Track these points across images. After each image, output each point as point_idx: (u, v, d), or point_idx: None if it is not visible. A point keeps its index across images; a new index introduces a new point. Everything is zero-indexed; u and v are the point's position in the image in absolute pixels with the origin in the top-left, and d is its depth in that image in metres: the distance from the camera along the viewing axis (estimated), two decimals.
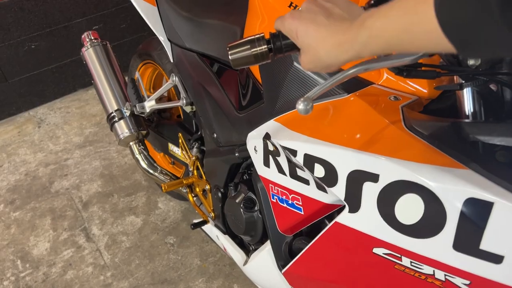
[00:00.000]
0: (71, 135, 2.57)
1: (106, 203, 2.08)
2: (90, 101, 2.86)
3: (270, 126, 0.95)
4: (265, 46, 0.62)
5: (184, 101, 1.39)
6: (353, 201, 0.70)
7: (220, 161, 1.28)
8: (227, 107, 1.20)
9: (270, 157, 0.95)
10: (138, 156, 1.58)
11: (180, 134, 1.49)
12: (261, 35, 0.63)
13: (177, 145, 1.58)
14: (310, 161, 0.77)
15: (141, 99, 1.55)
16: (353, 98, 0.77)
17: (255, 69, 1.06)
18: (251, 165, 1.20)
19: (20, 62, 2.68)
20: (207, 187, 1.37)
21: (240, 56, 0.63)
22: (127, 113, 1.56)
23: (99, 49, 1.63)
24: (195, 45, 1.30)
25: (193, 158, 1.43)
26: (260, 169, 1.01)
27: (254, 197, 1.14)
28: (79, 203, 2.10)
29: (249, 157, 1.16)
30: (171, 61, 1.40)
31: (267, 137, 0.94)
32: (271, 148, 0.93)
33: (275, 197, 0.98)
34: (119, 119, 1.56)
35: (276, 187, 0.96)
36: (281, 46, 0.61)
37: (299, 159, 0.80)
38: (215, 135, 1.27)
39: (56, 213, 2.06)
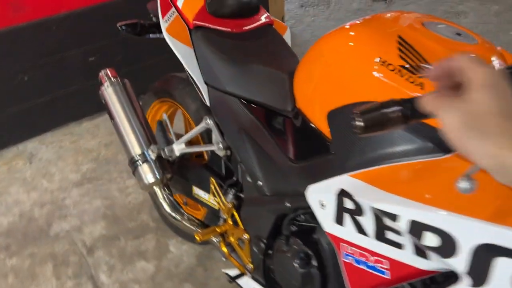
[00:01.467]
0: (66, 172, 2.43)
1: (112, 247, 1.96)
2: (84, 135, 2.73)
3: (344, 181, 0.90)
4: (400, 113, 0.58)
5: (220, 146, 1.33)
6: (479, 276, 0.65)
7: (264, 211, 1.22)
8: (278, 156, 1.14)
9: (346, 215, 0.90)
10: (162, 201, 1.49)
11: (212, 179, 1.42)
12: (396, 100, 0.58)
13: (204, 189, 1.50)
14: (417, 228, 0.72)
15: (168, 142, 1.48)
16: (460, 161, 0.73)
17: (317, 118, 1.01)
18: (299, 216, 1.15)
19: (10, 93, 2.54)
20: (246, 236, 1.30)
21: (372, 123, 0.58)
22: (153, 156, 1.48)
23: (119, 88, 1.55)
24: (238, 90, 1.25)
25: (229, 205, 1.35)
26: (328, 225, 0.95)
27: (310, 252, 1.09)
28: (82, 247, 1.96)
29: (302, 208, 1.11)
30: (207, 104, 1.34)
31: (343, 194, 0.89)
32: (349, 206, 0.89)
33: (349, 257, 0.92)
34: (143, 162, 1.48)
35: (351, 247, 0.91)
36: (421, 114, 0.57)
37: (401, 225, 0.75)
38: (259, 183, 1.21)
39: (58, 259, 1.91)
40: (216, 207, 1.48)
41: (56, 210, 2.18)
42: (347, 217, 0.90)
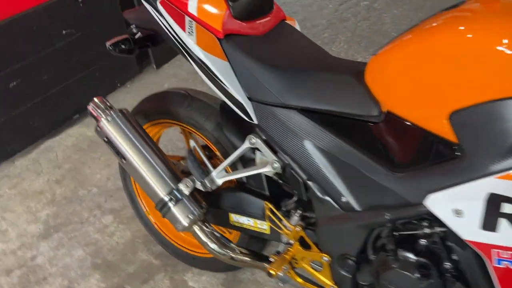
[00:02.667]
0: (22, 224, 2.03)
1: None
2: (24, 174, 2.30)
3: (494, 185, 0.83)
4: None
5: (275, 165, 1.17)
6: None
7: (352, 227, 1.11)
8: (370, 167, 1.03)
9: (503, 220, 0.84)
10: (207, 240, 1.29)
11: (266, 204, 1.26)
12: None
13: (248, 214, 1.33)
14: None
15: (204, 171, 1.27)
16: None
17: (430, 120, 0.92)
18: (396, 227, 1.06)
19: None
20: (326, 258, 1.18)
21: None
22: (186, 191, 1.26)
23: (122, 120, 1.28)
24: (296, 101, 1.10)
25: (298, 228, 1.21)
26: (471, 233, 0.88)
27: (427, 262, 1.01)
28: None
29: (403, 218, 1.03)
30: (255, 121, 1.16)
31: (495, 198, 0.83)
32: (508, 210, 0.82)
33: (504, 262, 0.87)
34: (176, 202, 1.25)
35: (508, 252, 0.86)
36: None
37: None
38: (343, 200, 1.09)
39: None
40: (266, 231, 1.33)
41: (30, 274, 1.80)
42: (503, 222, 0.84)
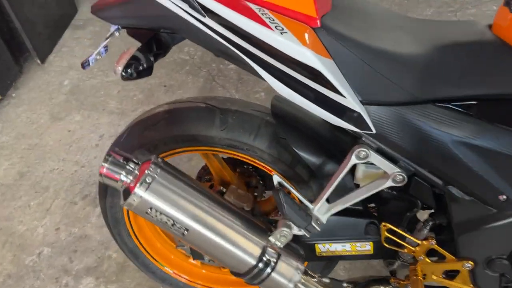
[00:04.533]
0: None
1: None
2: None
3: None
4: None
5: (401, 176, 0.89)
6: None
7: (509, 226, 0.92)
8: None
9: None
10: None
11: (384, 224, 0.98)
12: None
13: (350, 239, 1.05)
14: None
15: (306, 214, 0.92)
16: None
17: None
18: None
19: None
20: (468, 264, 0.98)
21: None
22: (282, 245, 0.91)
23: (167, 175, 0.85)
24: (440, 90, 0.82)
25: (430, 242, 0.98)
26: None
27: None
28: None
29: None
30: (372, 131, 0.84)
31: None
32: None
33: None
34: (276, 262, 0.90)
35: None
36: None
37: None
38: (502, 198, 0.88)
39: None
40: (368, 252, 1.07)
41: None
42: None
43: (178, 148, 1.07)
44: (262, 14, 0.74)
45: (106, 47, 0.93)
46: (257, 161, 1.05)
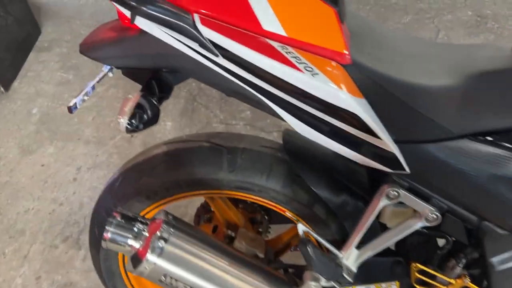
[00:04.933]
0: None
1: None
2: None
3: None
4: None
5: (434, 215, 0.82)
6: None
7: None
8: None
9: None
10: None
11: (414, 265, 0.91)
12: None
13: (375, 280, 0.96)
14: None
15: (329, 261, 0.83)
16: None
17: None
18: None
19: None
20: None
21: None
22: None
23: (181, 235, 0.75)
24: (480, 124, 0.75)
25: (464, 280, 0.91)
26: None
27: None
28: None
29: None
30: (406, 171, 0.76)
31: None
32: None
33: None
34: None
35: None
36: None
37: None
38: None
39: None
40: None
41: None
42: None
43: (181, 193, 0.97)
44: (287, 52, 0.65)
45: (93, 86, 0.82)
46: (270, 203, 0.96)
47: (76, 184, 1.79)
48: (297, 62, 0.65)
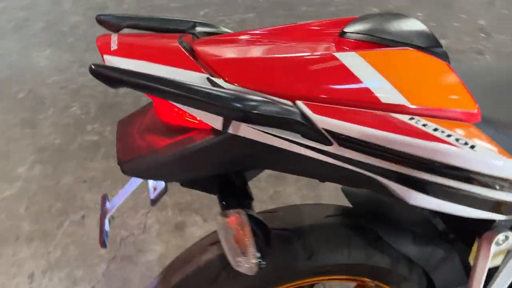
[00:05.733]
0: None
1: None
2: None
3: None
4: None
5: None
6: None
7: None
8: None
9: None
10: None
11: None
12: None
13: None
14: None
15: None
16: None
17: None
18: None
19: None
20: None
21: None
22: None
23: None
24: None
25: None
26: None
27: None
28: None
29: None
30: None
31: None
32: None
33: None
34: None
35: None
36: None
37: None
38: None
39: None
40: None
41: None
42: None
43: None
44: (423, 125, 0.54)
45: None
46: (357, 278, 0.83)
47: None
48: (443, 135, 0.53)
